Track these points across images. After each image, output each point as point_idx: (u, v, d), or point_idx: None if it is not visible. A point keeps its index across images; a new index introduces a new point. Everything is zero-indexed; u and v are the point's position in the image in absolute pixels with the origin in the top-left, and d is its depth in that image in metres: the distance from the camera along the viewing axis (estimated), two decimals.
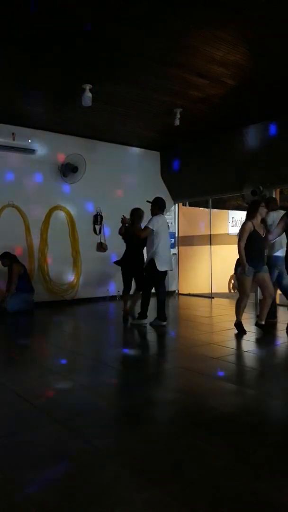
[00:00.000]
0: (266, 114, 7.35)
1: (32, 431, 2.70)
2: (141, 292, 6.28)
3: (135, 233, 6.16)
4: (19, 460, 2.33)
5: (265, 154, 7.83)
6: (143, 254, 6.38)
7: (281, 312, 7.53)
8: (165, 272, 6.13)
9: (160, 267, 5.94)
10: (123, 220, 6.28)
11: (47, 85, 6.02)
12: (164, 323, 6.10)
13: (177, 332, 6.17)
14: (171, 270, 6.45)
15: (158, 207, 6.15)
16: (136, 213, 6.44)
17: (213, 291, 9.63)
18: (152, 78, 5.75)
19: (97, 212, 8.74)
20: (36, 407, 3.08)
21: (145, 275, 6.15)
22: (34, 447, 2.47)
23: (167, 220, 9.88)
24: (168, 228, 6.42)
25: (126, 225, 6.29)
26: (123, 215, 6.35)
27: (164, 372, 4.15)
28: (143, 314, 6.08)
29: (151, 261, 5.95)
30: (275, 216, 5.90)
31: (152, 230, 5.93)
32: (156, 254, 5.93)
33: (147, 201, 6.31)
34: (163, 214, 6.19)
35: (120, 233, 6.44)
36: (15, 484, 2.09)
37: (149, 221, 6.02)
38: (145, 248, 6.26)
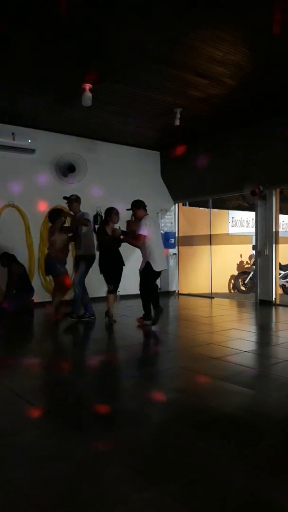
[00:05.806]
0: (266, 113, 7.35)
1: (32, 431, 2.70)
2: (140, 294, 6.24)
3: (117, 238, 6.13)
4: (19, 460, 2.33)
5: (265, 154, 7.83)
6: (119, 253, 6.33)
7: (281, 312, 7.53)
8: (159, 272, 6.11)
9: (156, 268, 5.94)
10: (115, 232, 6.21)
11: (47, 85, 6.01)
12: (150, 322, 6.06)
13: (177, 332, 6.17)
14: (165, 269, 6.31)
15: (143, 208, 6.09)
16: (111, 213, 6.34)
17: (213, 291, 9.63)
18: (152, 77, 5.75)
19: (97, 212, 8.73)
20: (36, 407, 3.08)
21: (141, 278, 6.12)
22: (34, 447, 2.47)
23: (168, 220, 9.96)
24: (158, 226, 6.34)
25: (121, 237, 6.21)
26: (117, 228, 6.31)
27: (164, 372, 4.15)
28: (148, 315, 6.06)
29: (147, 264, 5.94)
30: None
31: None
32: (151, 256, 5.92)
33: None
34: (148, 214, 6.16)
35: (103, 239, 6.34)
36: (15, 484, 2.09)
37: (139, 227, 5.91)
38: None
